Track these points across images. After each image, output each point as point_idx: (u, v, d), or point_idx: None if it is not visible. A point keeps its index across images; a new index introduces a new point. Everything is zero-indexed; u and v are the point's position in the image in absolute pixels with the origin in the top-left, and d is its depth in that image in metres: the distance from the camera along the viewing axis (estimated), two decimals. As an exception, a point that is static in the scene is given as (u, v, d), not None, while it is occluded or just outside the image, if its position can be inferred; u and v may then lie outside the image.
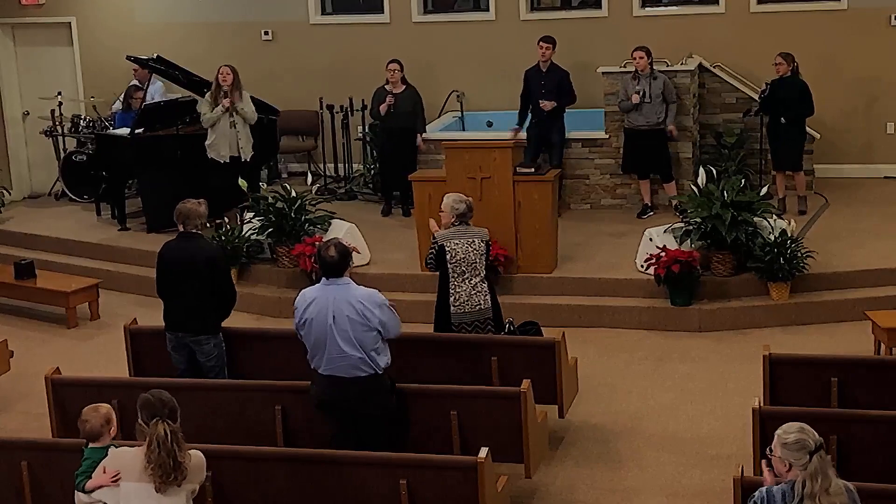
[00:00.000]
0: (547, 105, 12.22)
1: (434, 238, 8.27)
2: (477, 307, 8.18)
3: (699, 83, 12.98)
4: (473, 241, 8.15)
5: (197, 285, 7.71)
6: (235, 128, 12.13)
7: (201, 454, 5.72)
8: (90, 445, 5.88)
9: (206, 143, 12.21)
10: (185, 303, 7.77)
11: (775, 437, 4.99)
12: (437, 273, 8.32)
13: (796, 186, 12.19)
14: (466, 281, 8.16)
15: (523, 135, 12.48)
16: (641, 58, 11.97)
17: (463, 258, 8.13)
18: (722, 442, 8.08)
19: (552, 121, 12.41)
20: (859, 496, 5.01)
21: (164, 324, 7.96)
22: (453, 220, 8.19)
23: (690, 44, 12.79)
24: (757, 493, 5.03)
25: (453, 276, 8.16)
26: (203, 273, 7.71)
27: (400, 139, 12.75)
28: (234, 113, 12.06)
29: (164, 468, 5.47)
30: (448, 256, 8.14)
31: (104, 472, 5.65)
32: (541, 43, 12.42)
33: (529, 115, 12.50)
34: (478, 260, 8.15)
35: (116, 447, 5.81)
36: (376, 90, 12.83)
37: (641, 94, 11.92)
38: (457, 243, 8.14)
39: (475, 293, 8.17)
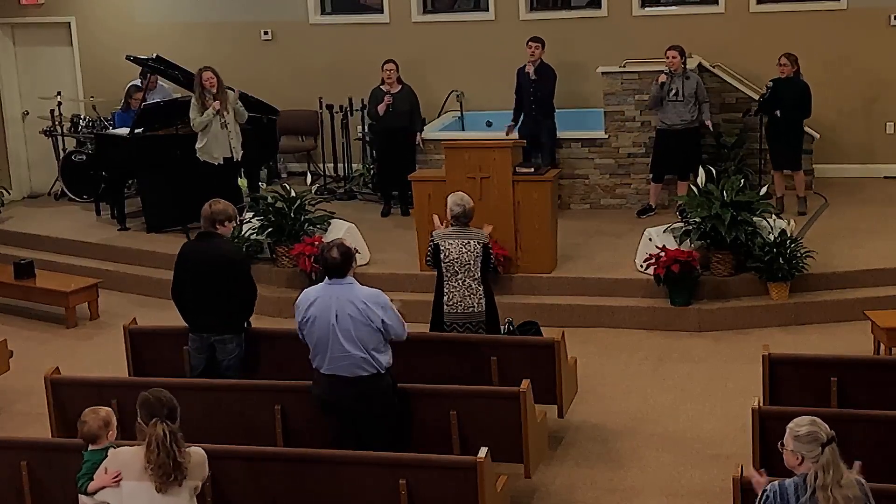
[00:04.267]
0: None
1: (431, 236, 8.28)
2: (469, 309, 8.17)
3: (699, 83, 12.98)
4: (469, 243, 8.13)
5: (216, 285, 7.66)
6: (227, 128, 12.06)
7: (202, 451, 5.71)
8: (89, 448, 5.89)
9: (197, 146, 12.07)
10: (208, 303, 7.71)
11: (787, 430, 5.02)
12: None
13: (796, 187, 12.19)
14: (460, 281, 8.15)
15: (516, 133, 12.51)
16: (675, 57, 11.91)
17: (456, 258, 8.12)
18: (722, 442, 8.08)
19: (542, 121, 12.42)
20: (860, 496, 5.03)
21: (187, 326, 7.87)
22: (451, 220, 8.20)
23: (690, 44, 12.79)
24: (769, 487, 5.04)
25: (447, 276, 8.17)
26: (221, 272, 7.68)
27: (398, 139, 12.75)
28: (223, 114, 12.00)
29: (164, 469, 5.46)
30: (442, 255, 8.14)
31: (105, 472, 5.65)
32: (530, 43, 12.44)
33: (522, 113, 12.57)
34: (472, 261, 8.12)
35: (115, 448, 5.81)
36: (373, 91, 12.82)
37: (675, 92, 11.90)
38: (451, 243, 8.14)
39: (469, 294, 8.16)
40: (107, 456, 5.75)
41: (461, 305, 8.17)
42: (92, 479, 5.72)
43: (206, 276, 7.68)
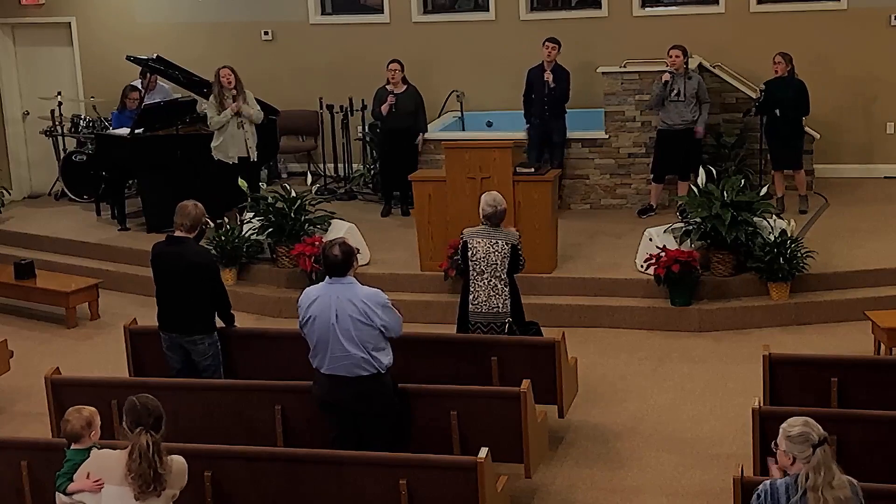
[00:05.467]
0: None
1: (461, 234, 8.27)
2: (494, 309, 8.13)
3: (699, 83, 12.98)
4: (497, 242, 8.08)
5: (185, 288, 7.70)
6: (244, 128, 12.10)
7: (183, 460, 5.69)
8: (72, 447, 5.87)
9: (213, 144, 12.13)
10: (176, 304, 7.76)
11: (780, 430, 5.03)
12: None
13: (797, 186, 12.20)
14: (485, 281, 8.11)
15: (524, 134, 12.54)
16: (678, 56, 11.91)
17: (483, 257, 8.09)
18: (722, 442, 8.08)
19: (554, 121, 12.43)
20: (859, 496, 5.03)
21: (157, 324, 7.96)
22: (482, 219, 8.18)
23: (690, 44, 12.78)
24: (761, 487, 5.06)
25: (473, 275, 8.13)
26: (195, 276, 7.70)
27: (401, 139, 12.75)
28: (241, 113, 12.04)
29: (144, 478, 5.45)
30: (469, 253, 8.13)
31: (87, 476, 5.62)
32: (546, 43, 12.43)
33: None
34: (499, 261, 8.07)
35: (99, 448, 5.79)
36: (377, 90, 12.82)
37: (677, 92, 11.90)
38: (479, 241, 8.11)
39: (494, 294, 8.12)
40: (89, 457, 5.74)
41: (486, 305, 8.14)
42: (72, 480, 5.71)
43: (179, 278, 7.71)
